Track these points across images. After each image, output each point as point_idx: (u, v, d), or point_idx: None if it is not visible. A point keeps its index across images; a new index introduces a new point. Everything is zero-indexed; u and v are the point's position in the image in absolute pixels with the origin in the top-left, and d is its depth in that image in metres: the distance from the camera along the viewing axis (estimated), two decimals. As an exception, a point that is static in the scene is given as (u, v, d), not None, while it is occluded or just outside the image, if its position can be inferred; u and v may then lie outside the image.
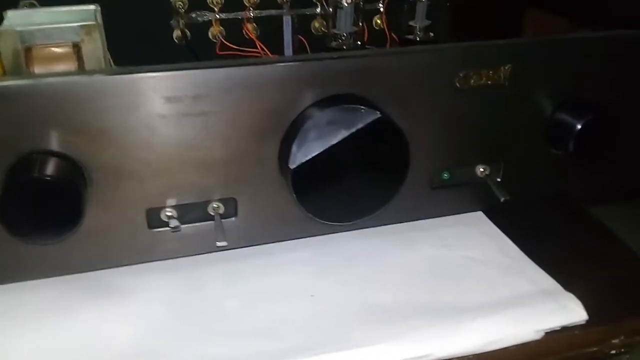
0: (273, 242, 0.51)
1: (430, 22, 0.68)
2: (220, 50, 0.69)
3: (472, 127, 0.51)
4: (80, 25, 0.52)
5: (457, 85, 0.48)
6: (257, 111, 0.45)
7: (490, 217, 0.56)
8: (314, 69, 0.45)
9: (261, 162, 0.46)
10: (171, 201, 0.46)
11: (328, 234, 0.52)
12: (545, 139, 0.53)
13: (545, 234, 0.55)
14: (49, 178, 0.40)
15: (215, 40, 0.69)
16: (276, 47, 0.70)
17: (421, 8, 0.68)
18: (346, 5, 0.65)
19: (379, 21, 0.72)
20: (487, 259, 0.51)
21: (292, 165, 0.44)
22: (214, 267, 0.50)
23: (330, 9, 0.68)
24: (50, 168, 0.41)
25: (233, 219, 0.48)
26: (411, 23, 0.68)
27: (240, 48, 0.69)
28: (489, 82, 0.49)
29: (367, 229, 0.52)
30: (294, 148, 0.45)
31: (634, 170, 0.58)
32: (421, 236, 0.54)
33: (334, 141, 0.44)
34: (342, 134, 0.44)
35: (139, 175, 0.44)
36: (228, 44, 0.69)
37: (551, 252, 0.52)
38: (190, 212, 0.47)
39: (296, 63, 0.45)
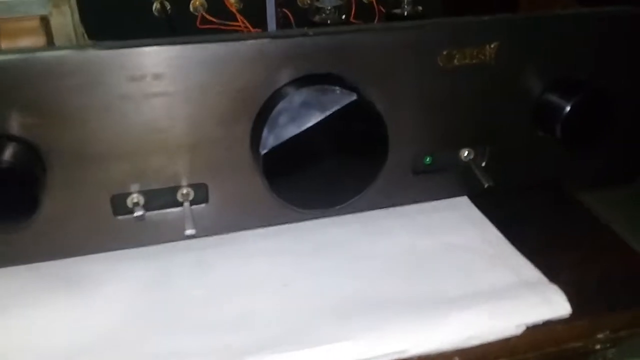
0: (245, 230, 0.49)
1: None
2: (201, 24, 0.66)
3: (455, 108, 0.48)
4: (49, -3, 0.50)
5: (440, 64, 0.46)
6: (225, 92, 0.42)
7: (475, 202, 0.54)
8: (284, 46, 0.42)
9: (232, 146, 0.44)
10: (138, 187, 0.44)
11: (303, 221, 0.49)
12: (533, 121, 0.50)
13: (532, 221, 0.53)
14: (2, 164, 0.38)
15: (196, 14, 0.66)
16: (259, 21, 0.67)
17: (409, -20, 0.65)
18: (331, -23, 0.62)
19: (367, -6, 0.69)
20: (469, 248, 0.49)
21: (263, 150, 0.42)
22: (183, 256, 0.48)
23: (316, -19, 0.65)
24: (5, 153, 0.38)
25: (204, 205, 0.46)
26: (398, -4, 0.66)
27: (222, 22, 0.66)
28: (474, 61, 0.47)
29: (344, 216, 0.50)
30: (265, 132, 0.42)
31: (627, 154, 0.55)
32: (401, 223, 0.52)
33: (308, 124, 0.42)
34: (317, 117, 0.42)
35: (102, 160, 0.42)
36: (209, 17, 0.66)
37: (537, 241, 0.50)
38: (158, 199, 0.45)
39: (266, 40, 0.42)
